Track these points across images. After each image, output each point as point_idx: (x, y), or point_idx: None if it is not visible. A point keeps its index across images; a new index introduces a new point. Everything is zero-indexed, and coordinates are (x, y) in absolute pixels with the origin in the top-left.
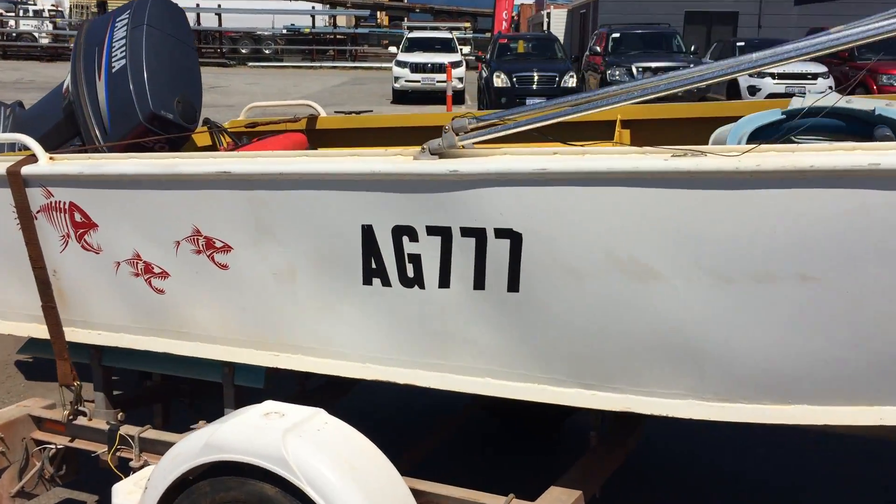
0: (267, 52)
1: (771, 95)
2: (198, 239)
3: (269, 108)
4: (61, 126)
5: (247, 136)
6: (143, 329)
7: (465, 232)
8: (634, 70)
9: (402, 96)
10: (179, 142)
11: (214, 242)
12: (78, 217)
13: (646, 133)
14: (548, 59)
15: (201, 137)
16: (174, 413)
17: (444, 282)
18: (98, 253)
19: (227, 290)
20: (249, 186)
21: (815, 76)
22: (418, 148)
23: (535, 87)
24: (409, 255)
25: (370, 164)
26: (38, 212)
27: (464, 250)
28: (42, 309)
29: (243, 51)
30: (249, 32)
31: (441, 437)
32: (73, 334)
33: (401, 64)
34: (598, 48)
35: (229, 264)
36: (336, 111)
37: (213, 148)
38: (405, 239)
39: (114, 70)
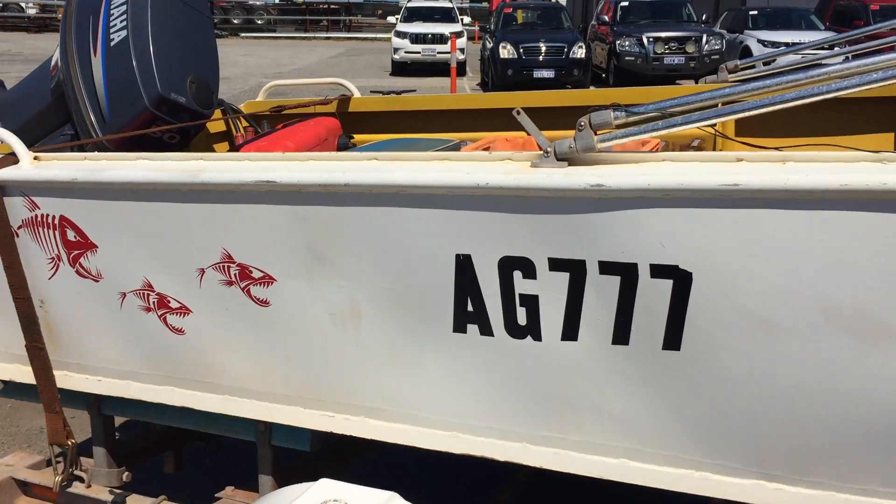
0: (259, 22)
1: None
2: (229, 267)
3: (292, 87)
4: (49, 112)
5: (268, 122)
6: (157, 377)
7: (607, 268)
8: (645, 40)
9: (402, 68)
10: (192, 131)
11: (251, 272)
12: (71, 235)
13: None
14: (555, 28)
15: (214, 123)
16: (188, 455)
17: (571, 333)
18: (98, 281)
19: (268, 333)
20: (301, 200)
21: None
22: (535, 152)
23: (542, 58)
24: (521, 295)
25: (471, 175)
26: (19, 227)
27: (602, 292)
28: (26, 349)
29: (235, 21)
30: (241, 2)
31: None
32: (65, 380)
33: (400, 34)
34: (605, 17)
35: (271, 300)
36: (373, 91)
37: (228, 136)
38: (517, 275)
39: (113, 43)
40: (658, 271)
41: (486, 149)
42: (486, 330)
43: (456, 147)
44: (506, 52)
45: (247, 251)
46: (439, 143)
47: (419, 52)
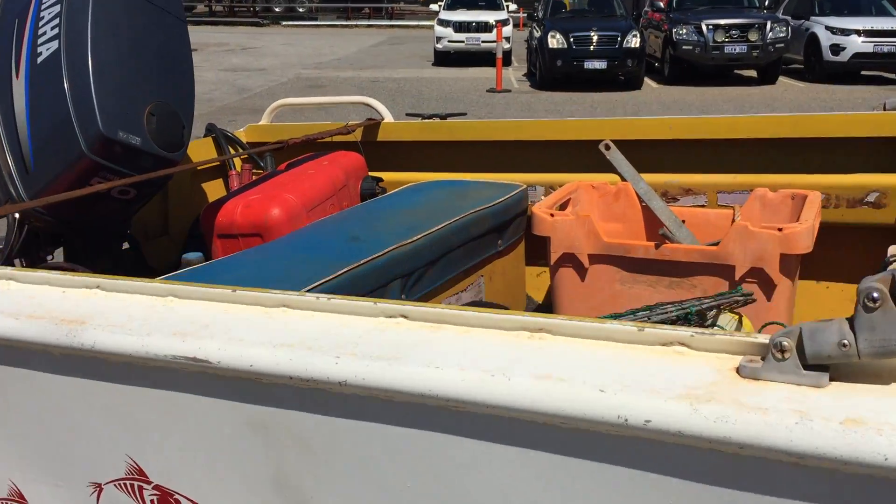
0: (301, 10)
1: (857, 55)
2: (140, 488)
3: (306, 107)
4: None
5: (271, 157)
6: None
7: None
8: (704, 28)
9: (445, 58)
10: (156, 182)
11: (176, 499)
12: None
13: None
14: (607, 16)
15: (205, 151)
16: None
17: None
18: None
19: None
20: (263, 398)
21: None
22: (735, 357)
23: (593, 48)
24: None
25: (612, 396)
26: None
27: None
28: None
29: (277, 9)
30: None
31: None
32: None
33: (443, 23)
34: (660, 3)
35: None
36: (408, 114)
37: (223, 170)
38: None
39: (40, 59)
40: None
41: (566, 203)
42: None
43: (522, 195)
44: (555, 41)
45: (169, 468)
46: (502, 191)
47: (463, 42)
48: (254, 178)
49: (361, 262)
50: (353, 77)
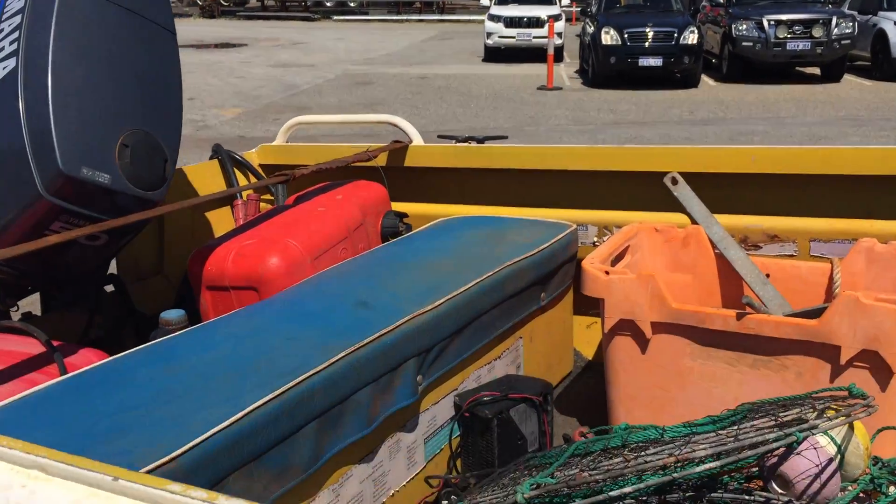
0: (352, 4)
1: None
2: None
3: (326, 126)
4: None
5: (283, 188)
6: None
7: None
8: (766, 23)
9: (495, 54)
10: (132, 227)
11: None
12: None
13: None
14: (663, 11)
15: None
16: None
17: None
18: None
19: None
20: None
21: None
22: None
23: (648, 44)
24: None
25: None
26: None
27: None
28: None
29: (328, 3)
30: None
31: None
32: None
33: (494, 18)
34: None
35: None
36: (441, 135)
37: (230, 200)
38: None
39: None
40: None
41: (623, 252)
42: None
43: (571, 237)
44: (608, 37)
45: None
46: (547, 232)
47: (514, 37)
48: (260, 210)
49: (366, 340)
50: (402, 73)
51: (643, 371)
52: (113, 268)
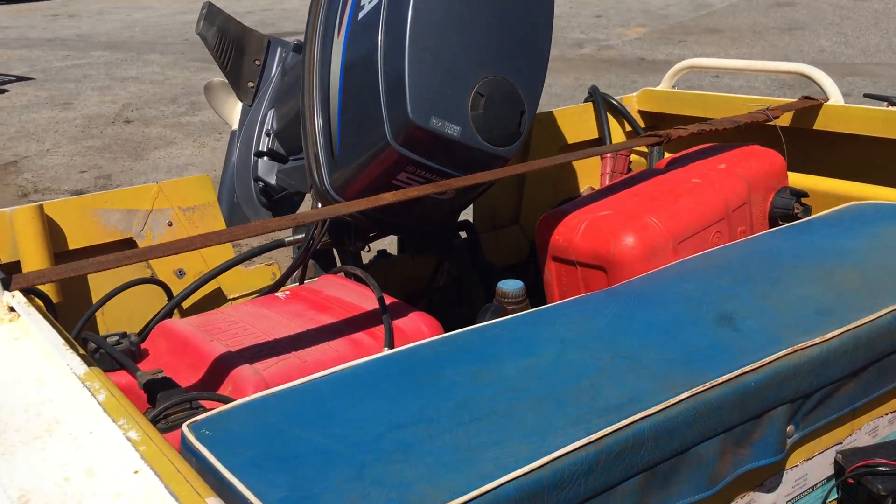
0: None
1: None
2: None
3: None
4: (287, 130)
5: (659, 149)
6: None
7: None
8: None
9: None
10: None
11: None
12: None
13: None
14: None
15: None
16: None
17: None
18: None
19: None
20: None
21: None
22: None
23: None
24: None
25: None
26: None
27: None
28: None
29: None
30: None
31: None
32: None
33: None
34: None
35: None
36: (868, 94)
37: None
38: None
39: (361, 14)
40: None
41: None
42: None
43: None
44: None
45: None
46: None
47: None
48: (630, 167)
49: (723, 378)
50: (762, 72)
51: None
52: (470, 214)
